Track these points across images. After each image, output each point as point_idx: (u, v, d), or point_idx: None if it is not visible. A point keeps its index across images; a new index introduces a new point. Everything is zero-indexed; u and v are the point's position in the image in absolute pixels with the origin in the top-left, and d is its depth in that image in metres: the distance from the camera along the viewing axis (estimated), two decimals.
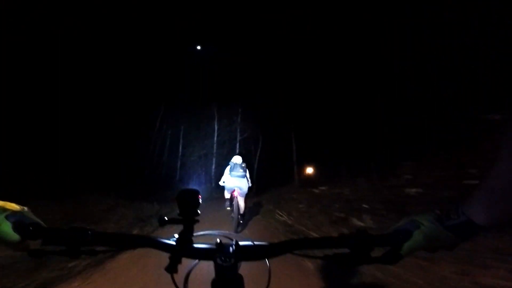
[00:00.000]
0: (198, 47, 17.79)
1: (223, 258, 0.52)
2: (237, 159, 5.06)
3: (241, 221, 4.91)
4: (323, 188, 8.13)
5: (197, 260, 0.58)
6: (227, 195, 5.04)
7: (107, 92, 10.70)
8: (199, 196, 0.58)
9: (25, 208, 0.56)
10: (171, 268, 0.51)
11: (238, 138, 18.61)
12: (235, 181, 4.84)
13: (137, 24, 10.34)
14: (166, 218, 0.57)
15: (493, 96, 7.83)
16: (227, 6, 14.07)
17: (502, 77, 7.45)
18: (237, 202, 4.72)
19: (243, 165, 4.99)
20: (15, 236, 0.51)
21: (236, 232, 4.50)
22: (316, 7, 10.98)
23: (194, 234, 0.57)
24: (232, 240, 0.57)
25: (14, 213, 0.53)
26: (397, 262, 0.50)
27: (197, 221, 0.56)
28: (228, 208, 4.99)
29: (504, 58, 7.10)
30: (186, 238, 0.55)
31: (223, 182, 5.13)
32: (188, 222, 0.55)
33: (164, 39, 12.47)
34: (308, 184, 10.64)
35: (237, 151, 17.61)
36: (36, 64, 7.68)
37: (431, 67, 9.84)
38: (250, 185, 5.05)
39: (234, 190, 4.81)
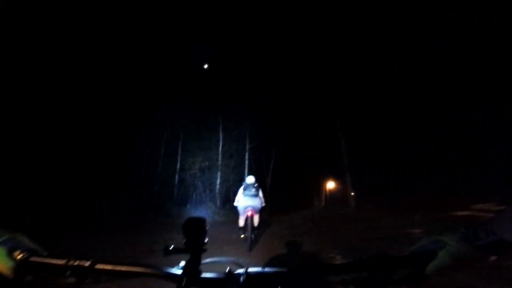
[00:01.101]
0: (195, 47, 15.24)
1: None
2: (250, 179, 5.14)
3: (254, 240, 4.86)
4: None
5: None
6: (241, 222, 5.00)
7: (97, 92, 10.08)
8: (206, 224, 0.56)
9: (21, 234, 0.54)
10: None
11: (247, 147, 16.18)
12: (248, 200, 4.89)
13: (136, 25, 10.32)
14: (172, 247, 0.56)
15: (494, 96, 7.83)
16: (231, 7, 13.89)
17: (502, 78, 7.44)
18: (251, 220, 4.73)
19: (255, 184, 5.05)
20: (10, 263, 0.49)
21: (250, 251, 4.40)
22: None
23: (202, 262, 0.55)
24: (242, 267, 0.54)
25: (9, 239, 0.51)
26: (421, 283, 0.48)
27: (205, 250, 0.55)
28: (242, 236, 4.95)
29: (504, 58, 7.07)
30: (193, 268, 0.53)
31: (237, 201, 5.12)
32: (195, 251, 0.54)
33: (163, 39, 12.40)
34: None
35: (246, 163, 15.89)
36: (36, 64, 7.68)
37: (431, 68, 9.69)
38: (264, 204, 5.09)
39: (248, 210, 4.80)
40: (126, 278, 0.53)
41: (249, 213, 4.75)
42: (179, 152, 15.53)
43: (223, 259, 0.64)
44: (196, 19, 14.74)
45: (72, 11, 7.86)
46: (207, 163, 15.19)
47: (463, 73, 8.54)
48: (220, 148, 15.55)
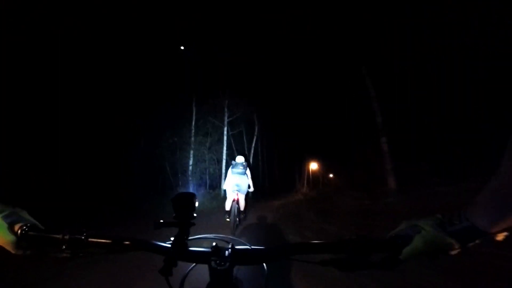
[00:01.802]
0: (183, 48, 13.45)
1: (217, 262, 0.52)
2: (239, 159, 5.16)
3: (238, 224, 4.85)
4: None
5: (193, 264, 0.59)
6: (228, 205, 4.87)
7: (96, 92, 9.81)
8: (195, 199, 0.58)
9: (21, 209, 0.57)
10: (166, 271, 0.51)
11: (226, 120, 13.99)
12: (236, 178, 4.92)
13: (136, 25, 9.63)
14: (161, 220, 0.57)
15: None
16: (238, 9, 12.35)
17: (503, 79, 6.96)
18: (237, 203, 4.72)
19: (244, 163, 5.09)
20: (11, 237, 0.51)
21: (233, 235, 4.33)
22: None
23: (190, 237, 0.57)
24: (228, 244, 0.57)
25: (10, 213, 0.54)
26: (396, 268, 0.49)
27: (193, 224, 0.57)
28: (228, 220, 4.80)
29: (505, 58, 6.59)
30: (181, 241, 0.54)
31: (226, 182, 5.13)
32: (183, 225, 0.55)
33: (162, 38, 11.42)
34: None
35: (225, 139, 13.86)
36: (36, 64, 7.63)
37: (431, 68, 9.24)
38: (252, 189, 5.16)
39: (236, 194, 4.81)
40: (118, 252, 0.56)
41: (236, 197, 4.76)
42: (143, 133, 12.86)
43: (211, 236, 0.66)
44: None
45: (72, 11, 7.51)
46: (175, 139, 12.97)
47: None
48: (193, 123, 13.43)
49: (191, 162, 13.19)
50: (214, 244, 0.56)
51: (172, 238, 0.55)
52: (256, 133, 17.15)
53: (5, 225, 0.52)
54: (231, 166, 5.13)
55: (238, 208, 4.76)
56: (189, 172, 13.00)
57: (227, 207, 4.87)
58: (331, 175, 25.35)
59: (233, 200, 4.77)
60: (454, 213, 0.49)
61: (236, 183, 4.87)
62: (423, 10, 7.95)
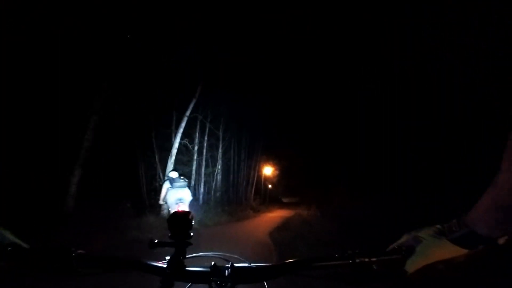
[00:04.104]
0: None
1: (218, 282, 0.50)
2: (174, 174, 5.17)
3: None
4: None
5: (189, 284, 0.57)
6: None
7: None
8: (191, 218, 0.57)
9: (3, 228, 0.54)
10: None
11: None
12: (178, 192, 4.91)
13: (138, 25, 9.53)
14: (156, 240, 0.55)
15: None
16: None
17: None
18: None
19: (181, 177, 5.12)
20: None
21: None
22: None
23: (187, 256, 0.56)
24: (227, 262, 0.55)
25: None
26: (401, 279, 0.50)
27: (190, 243, 0.55)
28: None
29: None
30: (178, 261, 0.53)
31: (163, 200, 5.09)
32: (180, 244, 0.54)
33: (166, 38, 11.23)
34: None
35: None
36: (37, 64, 7.63)
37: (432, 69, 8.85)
38: (191, 198, 5.17)
39: (179, 205, 4.84)
40: (110, 271, 0.53)
41: (179, 207, 4.71)
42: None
43: (209, 253, 0.65)
44: None
45: (72, 11, 7.50)
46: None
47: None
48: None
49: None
50: (213, 263, 0.54)
51: (167, 258, 0.54)
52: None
53: None
54: (167, 181, 5.11)
55: None
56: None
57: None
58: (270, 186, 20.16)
59: (178, 208, 4.77)
60: (452, 221, 0.50)
61: (179, 197, 4.91)
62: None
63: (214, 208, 12.02)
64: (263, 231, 7.93)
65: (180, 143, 10.89)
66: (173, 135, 11.35)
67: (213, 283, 0.50)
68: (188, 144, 12.62)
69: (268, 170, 18.65)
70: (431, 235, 0.49)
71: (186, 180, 5.18)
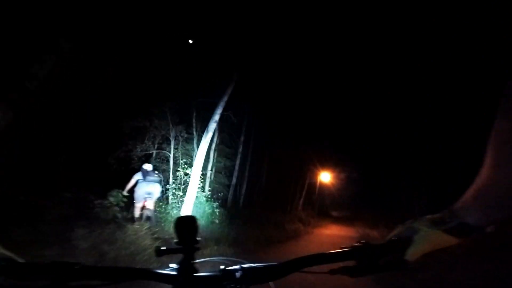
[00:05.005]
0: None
1: (232, 285, 0.50)
2: (148, 166, 5.06)
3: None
4: None
5: None
6: (137, 212, 4.84)
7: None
8: (197, 222, 0.56)
9: None
10: None
11: None
12: (148, 186, 4.86)
13: (139, 24, 8.87)
14: (164, 248, 0.54)
15: None
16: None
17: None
18: (147, 209, 4.74)
19: (155, 172, 5.09)
20: None
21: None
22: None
23: (196, 261, 0.54)
24: (236, 264, 0.54)
25: None
26: (404, 268, 0.51)
27: (198, 248, 0.54)
28: (136, 217, 4.86)
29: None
30: (188, 267, 0.52)
31: (127, 192, 4.94)
32: (188, 250, 0.53)
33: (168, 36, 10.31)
34: None
35: None
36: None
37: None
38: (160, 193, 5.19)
39: (145, 200, 4.81)
40: (117, 283, 0.50)
41: (146, 202, 4.78)
42: None
43: (218, 258, 0.64)
44: None
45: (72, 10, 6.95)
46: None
47: None
48: None
49: None
50: (222, 266, 0.53)
51: (171, 265, 0.54)
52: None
53: None
54: (140, 173, 4.96)
55: (147, 214, 4.77)
56: None
57: (136, 214, 4.85)
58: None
59: (143, 208, 4.81)
60: (444, 212, 0.50)
61: (148, 191, 4.82)
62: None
63: (256, 217, 9.50)
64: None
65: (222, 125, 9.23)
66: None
67: (227, 287, 0.50)
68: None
69: (325, 178, 16.72)
70: (426, 225, 0.50)
71: (160, 176, 5.20)
